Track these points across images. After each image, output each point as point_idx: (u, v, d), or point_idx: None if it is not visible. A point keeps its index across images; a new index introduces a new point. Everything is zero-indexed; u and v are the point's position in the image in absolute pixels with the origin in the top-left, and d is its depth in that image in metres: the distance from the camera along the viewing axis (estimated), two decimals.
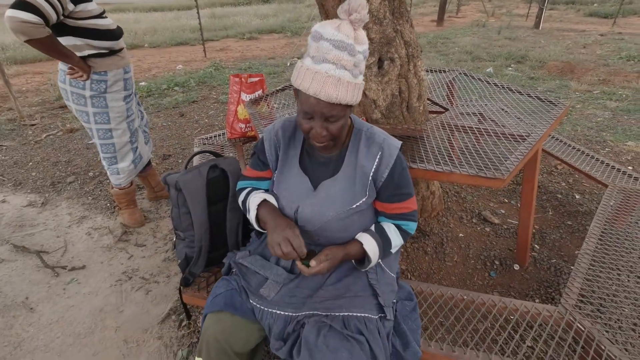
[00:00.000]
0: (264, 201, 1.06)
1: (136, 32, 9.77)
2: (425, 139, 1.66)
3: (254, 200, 1.07)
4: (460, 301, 1.28)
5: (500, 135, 1.62)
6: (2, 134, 3.82)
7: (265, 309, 1.05)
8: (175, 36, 9.69)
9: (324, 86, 0.84)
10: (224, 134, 2.69)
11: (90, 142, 3.56)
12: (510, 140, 1.57)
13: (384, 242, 1.04)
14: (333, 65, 0.84)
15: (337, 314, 1.01)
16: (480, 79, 2.36)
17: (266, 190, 1.15)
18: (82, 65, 1.77)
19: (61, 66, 1.85)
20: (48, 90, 5.28)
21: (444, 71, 2.64)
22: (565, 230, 2.18)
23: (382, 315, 1.05)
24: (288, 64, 6.66)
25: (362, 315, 1.01)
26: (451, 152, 1.50)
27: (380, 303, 1.05)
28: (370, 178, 1.01)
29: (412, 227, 1.10)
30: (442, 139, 1.63)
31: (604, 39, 8.00)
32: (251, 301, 1.08)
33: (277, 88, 2.47)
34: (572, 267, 1.88)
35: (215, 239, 1.31)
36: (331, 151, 1.04)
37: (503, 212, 2.35)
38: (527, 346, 1.41)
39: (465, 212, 2.31)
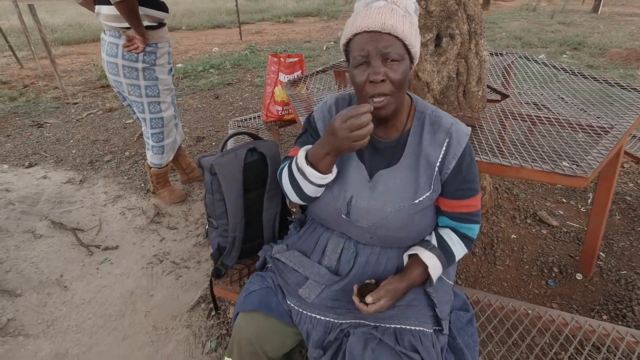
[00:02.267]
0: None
1: (174, 15, 9.85)
2: (485, 128, 1.46)
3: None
4: (525, 316, 1.11)
5: (576, 126, 1.40)
6: (48, 111, 3.93)
7: (304, 312, 0.94)
8: (212, 19, 9.69)
9: (377, 16, 0.76)
10: (259, 116, 2.59)
11: (128, 121, 3.59)
12: (589, 133, 1.35)
13: (448, 259, 0.91)
14: (384, 1, 0.79)
15: (388, 325, 0.88)
16: (544, 63, 2.10)
17: None
18: (145, 35, 1.78)
19: (112, 40, 1.81)
20: (90, 70, 5.41)
21: (501, 54, 2.39)
22: (636, 237, 1.92)
23: (438, 328, 0.91)
24: (324, 48, 6.46)
25: (417, 329, 0.87)
26: (516, 144, 1.31)
27: (436, 315, 0.91)
28: (436, 169, 0.86)
29: (475, 230, 0.95)
30: (504, 130, 1.44)
31: None
32: (288, 302, 0.96)
33: (317, 69, 2.32)
34: None
35: (250, 230, 1.21)
36: (389, 132, 0.90)
37: (561, 213, 2.11)
38: None
39: (518, 211, 2.09)
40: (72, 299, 1.66)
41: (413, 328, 0.87)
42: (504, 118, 1.53)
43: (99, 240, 2.03)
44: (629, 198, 2.23)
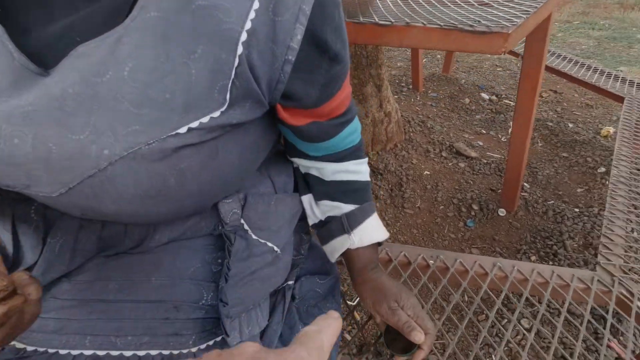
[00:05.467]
0: None
1: None
2: None
3: None
4: (423, 269, 0.68)
5: None
6: None
7: None
8: None
9: None
10: None
11: None
12: None
13: (365, 194, 0.53)
14: None
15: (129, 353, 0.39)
16: None
17: None
18: None
19: None
20: None
21: None
22: (561, 163, 1.65)
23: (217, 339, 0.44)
24: None
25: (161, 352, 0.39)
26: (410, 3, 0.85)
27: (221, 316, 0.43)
28: (240, 49, 0.31)
29: (356, 127, 0.50)
30: None
31: None
32: None
33: None
34: (576, 210, 1.35)
35: None
36: None
37: (481, 144, 1.78)
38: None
39: (433, 145, 1.72)
40: None
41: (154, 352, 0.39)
42: None
43: None
44: (550, 124, 1.97)
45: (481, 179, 1.52)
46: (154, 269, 0.42)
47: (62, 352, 0.39)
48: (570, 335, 0.58)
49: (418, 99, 2.22)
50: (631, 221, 0.82)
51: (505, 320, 0.96)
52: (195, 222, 0.46)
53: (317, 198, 0.53)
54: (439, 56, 3.06)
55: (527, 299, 0.63)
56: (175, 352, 0.41)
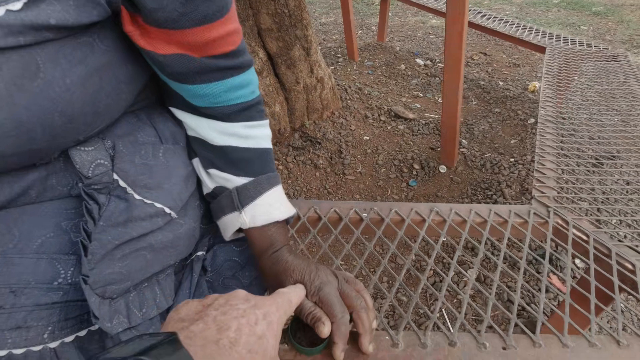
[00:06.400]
0: None
1: None
2: None
3: None
4: (355, 223, 0.61)
5: None
6: None
7: None
8: None
9: None
10: None
11: None
12: None
13: (264, 163, 0.43)
14: None
15: None
16: None
17: None
18: None
19: None
20: None
21: None
22: (495, 118, 1.68)
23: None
24: None
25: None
26: None
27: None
28: None
29: (249, 86, 0.41)
30: None
31: None
32: None
33: None
34: (511, 160, 1.37)
35: None
36: None
37: (419, 106, 1.77)
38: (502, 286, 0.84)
39: (371, 110, 1.67)
40: None
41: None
42: None
43: None
44: (482, 82, 2.01)
45: (421, 139, 1.50)
46: None
47: None
48: (512, 271, 0.54)
49: (354, 68, 2.17)
50: (561, 155, 0.82)
51: (446, 265, 0.93)
52: (39, 177, 0.34)
53: (205, 166, 0.43)
54: (373, 27, 3.03)
55: (467, 242, 0.58)
56: (18, 351, 0.30)
